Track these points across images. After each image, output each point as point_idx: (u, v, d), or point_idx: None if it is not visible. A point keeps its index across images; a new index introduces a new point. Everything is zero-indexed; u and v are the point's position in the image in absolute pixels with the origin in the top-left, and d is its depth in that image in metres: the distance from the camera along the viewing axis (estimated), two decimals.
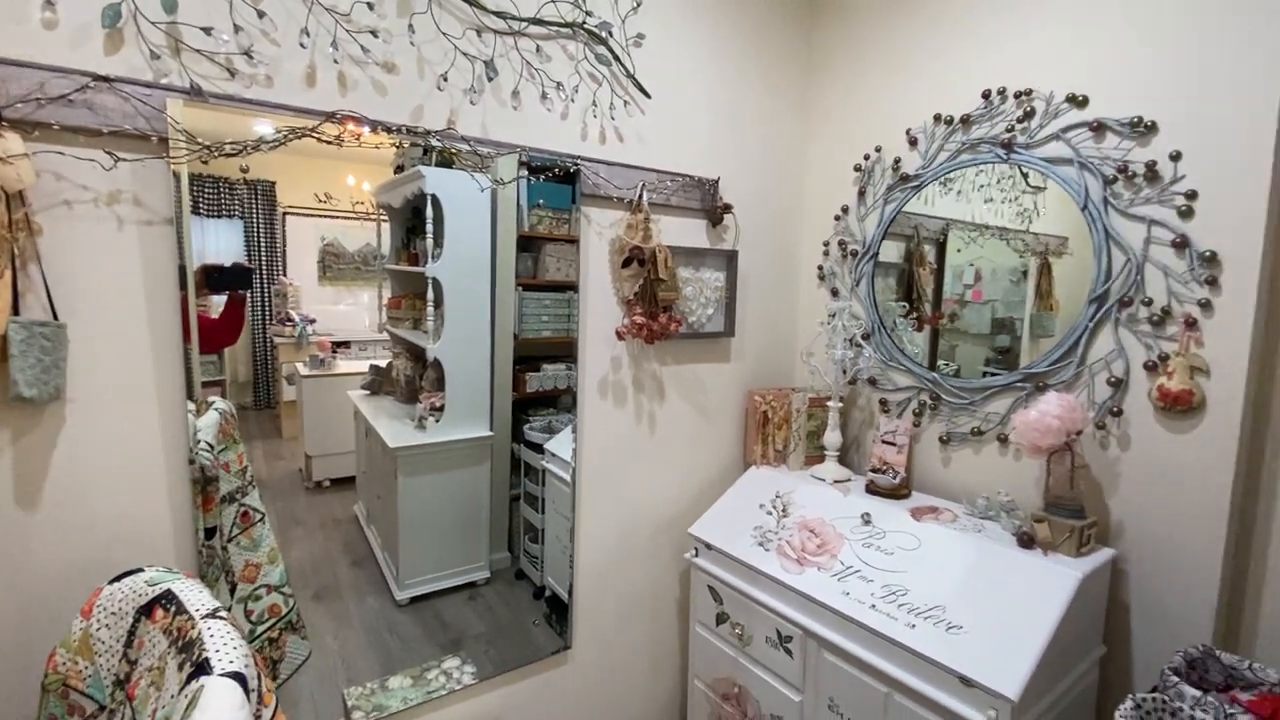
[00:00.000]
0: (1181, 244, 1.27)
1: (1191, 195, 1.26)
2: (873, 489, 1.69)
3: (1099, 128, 1.38)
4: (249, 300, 1.53)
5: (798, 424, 1.89)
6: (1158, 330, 1.31)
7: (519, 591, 1.76)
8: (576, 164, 1.54)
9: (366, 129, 1.24)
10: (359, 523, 1.71)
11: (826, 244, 2.00)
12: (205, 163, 1.12)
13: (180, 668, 0.81)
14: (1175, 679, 1.10)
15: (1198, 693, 1.07)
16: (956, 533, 1.43)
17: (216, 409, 1.27)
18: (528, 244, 1.63)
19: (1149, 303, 1.32)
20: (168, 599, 0.93)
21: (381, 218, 1.65)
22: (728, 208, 1.82)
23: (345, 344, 1.75)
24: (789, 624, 1.48)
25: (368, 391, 1.72)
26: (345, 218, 1.64)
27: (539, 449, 1.74)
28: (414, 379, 1.67)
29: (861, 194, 1.88)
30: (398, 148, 1.41)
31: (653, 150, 1.69)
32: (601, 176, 1.58)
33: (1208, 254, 1.24)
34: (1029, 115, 1.49)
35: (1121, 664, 1.38)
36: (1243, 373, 1.21)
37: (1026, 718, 1.13)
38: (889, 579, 1.38)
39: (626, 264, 1.62)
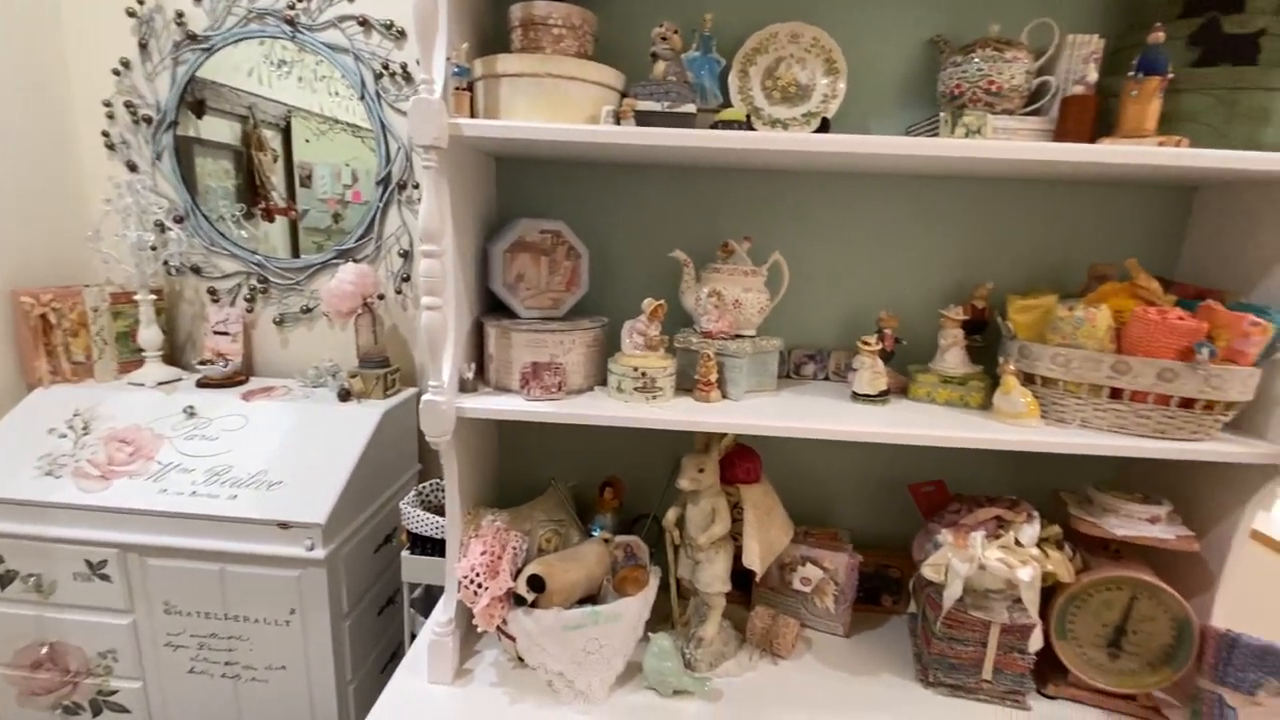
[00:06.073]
0: None
1: None
2: (205, 382, 1.59)
3: (366, 24, 1.54)
4: None
5: (99, 326, 1.58)
6: None
7: None
8: None
9: None
10: None
11: (109, 104, 1.63)
12: None
13: None
14: None
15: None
16: (283, 404, 1.51)
17: None
18: None
19: (418, 186, 1.62)
20: None
21: None
22: None
23: None
24: (100, 548, 1.30)
25: None
26: None
27: None
28: None
29: (144, 47, 1.59)
30: None
31: None
32: None
33: None
34: None
35: (433, 472, 1.79)
36: None
37: (343, 534, 1.35)
38: (212, 463, 1.36)
39: None
